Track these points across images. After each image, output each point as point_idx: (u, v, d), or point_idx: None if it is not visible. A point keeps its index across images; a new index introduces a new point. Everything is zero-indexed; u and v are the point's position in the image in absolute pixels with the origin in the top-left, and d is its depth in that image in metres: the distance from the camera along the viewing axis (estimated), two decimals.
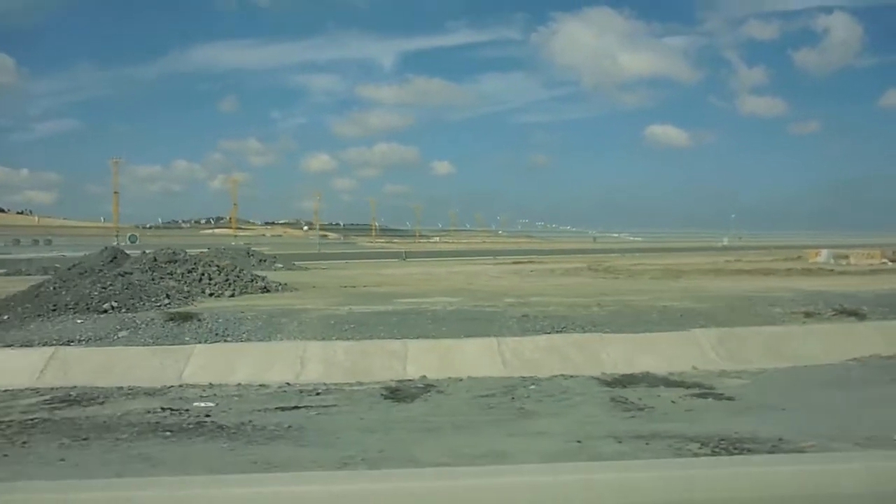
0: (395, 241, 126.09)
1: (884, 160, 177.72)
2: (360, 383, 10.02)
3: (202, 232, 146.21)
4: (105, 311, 15.21)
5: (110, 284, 16.70)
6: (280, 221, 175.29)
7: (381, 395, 9.23)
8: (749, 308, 16.21)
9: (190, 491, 1.53)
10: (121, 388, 9.63)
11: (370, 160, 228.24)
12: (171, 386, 9.94)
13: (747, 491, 1.56)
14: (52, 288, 16.07)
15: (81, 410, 8.35)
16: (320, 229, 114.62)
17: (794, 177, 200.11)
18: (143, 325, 14.04)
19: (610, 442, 6.55)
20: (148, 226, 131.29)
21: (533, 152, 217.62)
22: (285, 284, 22.49)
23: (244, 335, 13.54)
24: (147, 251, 22.66)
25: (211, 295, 19.25)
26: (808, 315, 15.58)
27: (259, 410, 8.30)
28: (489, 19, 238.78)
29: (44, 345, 12.97)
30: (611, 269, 35.55)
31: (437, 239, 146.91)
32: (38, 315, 14.65)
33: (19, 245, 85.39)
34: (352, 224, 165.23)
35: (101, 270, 17.89)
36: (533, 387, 9.58)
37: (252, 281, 21.43)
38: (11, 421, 7.68)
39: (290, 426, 7.39)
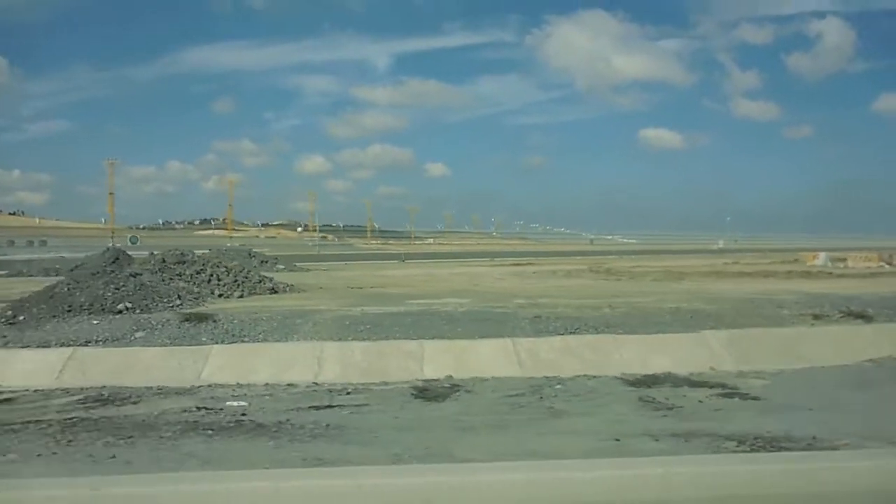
0: (391, 242, 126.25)
1: (877, 164, 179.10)
2: (386, 383, 10.13)
3: (196, 233, 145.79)
4: (119, 312, 15.26)
5: (123, 285, 16.73)
6: (274, 223, 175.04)
7: (411, 394, 9.34)
8: (756, 310, 16.37)
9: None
10: (150, 387, 9.71)
11: (364, 161, 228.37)
12: (200, 386, 10.03)
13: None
14: (65, 289, 16.09)
15: (116, 410, 8.43)
16: (317, 231, 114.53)
17: (789, 180, 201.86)
18: (160, 326, 14.11)
19: (647, 440, 6.68)
20: (141, 227, 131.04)
21: (528, 154, 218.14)
22: (292, 286, 22.55)
23: (260, 336, 13.61)
24: (155, 252, 22.73)
25: (220, 296, 19.31)
26: (815, 317, 15.75)
27: (292, 409, 8.39)
28: (484, 21, 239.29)
29: (61, 345, 13.03)
30: (611, 270, 35.73)
31: (432, 241, 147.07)
32: (54, 316, 14.68)
33: (14, 246, 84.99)
34: (347, 225, 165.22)
35: (112, 272, 17.92)
36: (559, 386, 9.71)
37: (260, 282, 21.50)
38: (51, 420, 7.75)
39: (328, 425, 7.49)
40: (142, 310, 15.69)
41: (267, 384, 10.09)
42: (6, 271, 33.20)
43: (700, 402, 8.76)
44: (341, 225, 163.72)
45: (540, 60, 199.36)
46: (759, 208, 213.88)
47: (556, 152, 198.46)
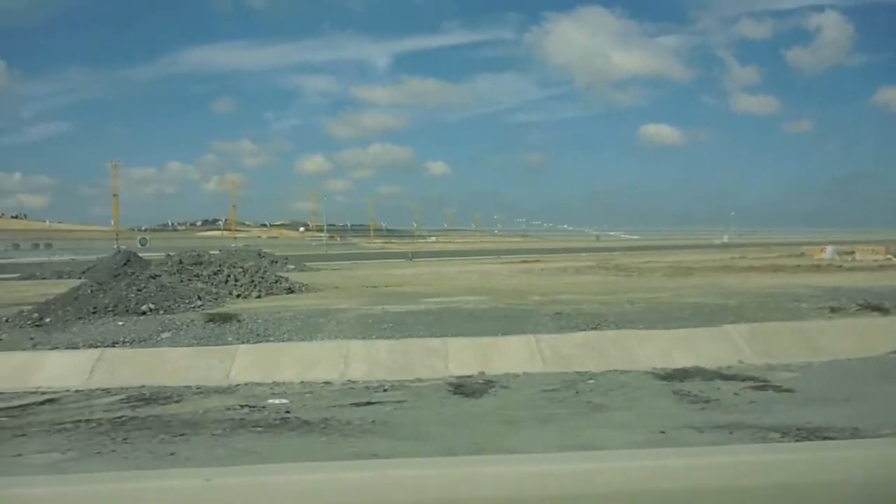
0: (393, 241, 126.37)
1: (877, 157, 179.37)
2: (420, 380, 10.24)
3: (198, 234, 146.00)
4: (143, 313, 15.39)
5: (144, 287, 16.87)
6: (276, 223, 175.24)
7: (447, 390, 9.46)
8: (774, 304, 16.48)
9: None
10: (188, 386, 9.83)
11: (364, 161, 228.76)
12: (236, 385, 10.14)
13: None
14: (89, 291, 16.22)
15: (161, 409, 8.55)
16: (321, 230, 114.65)
17: (789, 174, 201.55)
18: (185, 327, 14.23)
19: (692, 432, 6.79)
20: (143, 228, 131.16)
21: (528, 152, 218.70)
22: (307, 285, 22.66)
23: (285, 335, 13.73)
24: (171, 253, 22.83)
25: (238, 296, 19.42)
26: (833, 310, 15.85)
27: (334, 406, 8.51)
28: (483, 20, 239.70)
29: (88, 346, 13.17)
30: (620, 266, 35.86)
31: (434, 239, 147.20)
32: (79, 318, 14.81)
33: (19, 249, 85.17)
34: (353, 225, 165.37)
35: (132, 273, 18.04)
36: (591, 381, 9.82)
37: (276, 282, 21.61)
38: (100, 419, 7.86)
39: (373, 420, 7.61)
40: (164, 311, 15.82)
41: (302, 382, 10.20)
42: (18, 274, 33.30)
43: (735, 394, 8.87)
44: (348, 224, 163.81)
45: (539, 58, 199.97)
46: (759, 202, 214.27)
47: (555, 149, 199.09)
